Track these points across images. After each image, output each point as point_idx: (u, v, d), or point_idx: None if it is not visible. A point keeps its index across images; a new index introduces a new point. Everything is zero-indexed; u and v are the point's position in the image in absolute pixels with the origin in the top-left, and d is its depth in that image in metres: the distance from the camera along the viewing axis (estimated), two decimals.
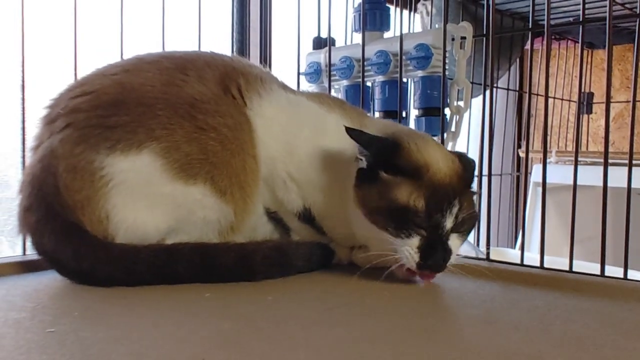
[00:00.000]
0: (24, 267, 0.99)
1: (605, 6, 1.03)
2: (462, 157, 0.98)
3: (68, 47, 1.15)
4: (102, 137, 0.88)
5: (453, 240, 0.91)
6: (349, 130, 0.93)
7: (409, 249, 0.89)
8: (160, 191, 0.90)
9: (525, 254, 1.12)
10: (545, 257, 1.06)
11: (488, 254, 1.13)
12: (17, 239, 1.02)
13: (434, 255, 0.89)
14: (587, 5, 1.10)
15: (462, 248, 0.96)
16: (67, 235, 0.88)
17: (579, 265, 1.03)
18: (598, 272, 0.99)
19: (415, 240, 0.89)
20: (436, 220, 0.89)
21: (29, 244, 0.97)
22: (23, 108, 1.11)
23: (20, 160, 1.08)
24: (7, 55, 1.26)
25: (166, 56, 1.05)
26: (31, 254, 0.99)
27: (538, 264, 1.06)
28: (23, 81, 1.11)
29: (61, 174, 0.88)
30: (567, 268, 1.03)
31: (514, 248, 2.41)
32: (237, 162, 0.95)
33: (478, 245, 1.32)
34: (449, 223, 0.90)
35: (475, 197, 0.98)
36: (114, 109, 0.91)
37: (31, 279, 0.95)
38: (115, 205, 0.88)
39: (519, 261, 1.10)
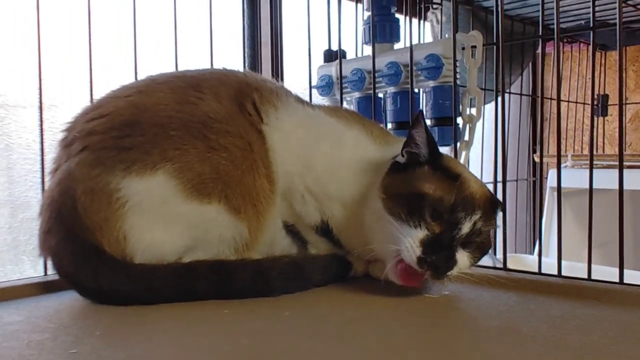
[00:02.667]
0: (46, 287, 1.01)
1: (617, 9, 1.02)
2: (491, 193, 0.99)
3: (83, 70, 1.18)
4: (118, 159, 0.89)
5: (461, 255, 0.90)
6: (419, 117, 0.93)
7: (411, 241, 0.87)
8: (176, 211, 0.91)
9: (544, 259, 1.11)
10: (565, 262, 1.05)
11: (505, 262, 1.13)
12: (38, 259, 1.04)
13: (438, 253, 0.87)
14: (598, 8, 1.09)
15: None
16: (86, 256, 0.89)
17: (599, 270, 1.02)
18: (617, 276, 0.98)
19: (420, 233, 0.87)
20: (459, 216, 0.88)
21: (49, 263, 0.99)
22: (41, 130, 1.13)
23: (39, 182, 1.10)
24: (25, 77, 1.29)
25: (179, 76, 1.06)
26: (52, 274, 1.01)
27: (556, 271, 1.05)
28: (41, 103, 1.13)
29: (79, 197, 0.89)
30: (586, 273, 1.02)
31: (532, 254, 2.38)
32: (249, 181, 0.95)
33: (495, 253, 1.31)
34: (466, 227, 0.89)
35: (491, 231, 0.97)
36: (128, 130, 0.92)
37: (53, 299, 0.96)
38: (133, 226, 0.89)
39: (537, 267, 1.09)
